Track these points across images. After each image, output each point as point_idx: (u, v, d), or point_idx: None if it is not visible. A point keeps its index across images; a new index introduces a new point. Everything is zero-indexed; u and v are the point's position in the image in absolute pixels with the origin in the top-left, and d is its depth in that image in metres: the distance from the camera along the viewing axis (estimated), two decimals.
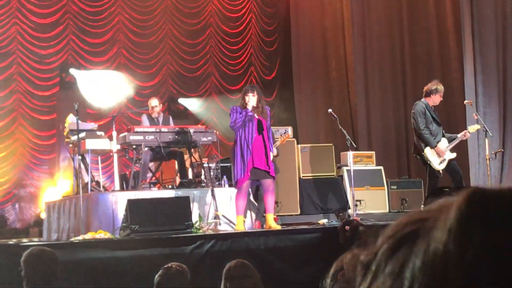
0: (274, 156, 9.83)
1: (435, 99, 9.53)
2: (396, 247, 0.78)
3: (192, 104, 15.21)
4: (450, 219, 0.75)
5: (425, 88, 9.66)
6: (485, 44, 12.01)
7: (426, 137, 9.40)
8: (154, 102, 10.55)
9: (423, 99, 9.59)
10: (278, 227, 8.53)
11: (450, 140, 9.60)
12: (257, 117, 8.46)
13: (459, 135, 9.63)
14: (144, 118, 10.43)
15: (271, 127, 10.98)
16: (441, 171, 9.44)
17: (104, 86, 13.22)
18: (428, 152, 9.42)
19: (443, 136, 9.61)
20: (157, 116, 10.42)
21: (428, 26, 13.57)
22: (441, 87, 9.55)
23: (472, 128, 9.82)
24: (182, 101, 15.02)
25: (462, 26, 12.22)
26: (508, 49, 12.00)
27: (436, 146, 9.39)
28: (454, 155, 9.57)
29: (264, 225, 8.84)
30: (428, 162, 9.42)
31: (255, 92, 8.52)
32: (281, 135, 10.85)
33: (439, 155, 9.42)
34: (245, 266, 4.27)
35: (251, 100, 8.44)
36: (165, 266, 4.26)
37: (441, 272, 0.73)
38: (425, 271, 0.74)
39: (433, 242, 0.75)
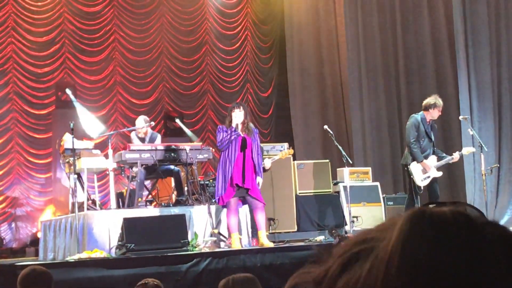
0: (266, 170, 9.75)
1: (433, 114, 9.64)
2: (344, 266, 0.82)
3: (189, 121, 15.21)
4: (392, 239, 0.79)
5: (424, 102, 9.79)
6: (479, 60, 12.06)
7: (414, 150, 9.53)
8: (139, 123, 10.44)
9: (421, 112, 9.72)
10: (271, 245, 8.51)
11: (439, 159, 9.69)
12: (242, 135, 8.44)
13: (449, 157, 9.71)
14: (133, 135, 10.42)
15: (265, 144, 11.01)
16: (421, 187, 9.56)
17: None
18: (414, 166, 9.54)
19: (434, 153, 9.70)
20: (144, 137, 10.36)
21: (422, 43, 13.63)
22: (439, 102, 9.66)
23: (467, 150, 9.91)
24: (178, 118, 15.02)
25: (456, 42, 12.27)
26: (502, 64, 12.05)
27: (422, 160, 9.49)
28: (440, 174, 9.67)
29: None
30: (411, 176, 9.54)
31: (241, 108, 8.50)
32: (285, 149, 10.81)
33: (424, 171, 9.52)
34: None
35: (238, 116, 8.41)
36: (140, 283, 4.19)
37: None
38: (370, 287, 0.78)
39: (376, 261, 0.79)
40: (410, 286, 0.75)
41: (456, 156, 9.74)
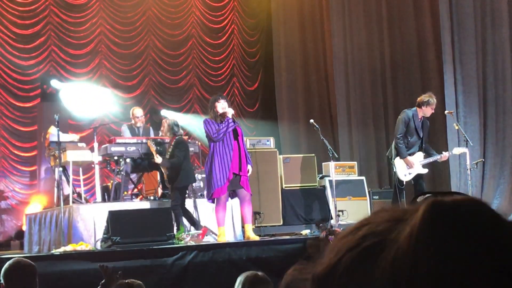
0: None
1: (426, 111, 9.67)
2: (359, 260, 0.77)
3: (175, 115, 15.17)
4: (415, 231, 0.75)
5: (418, 99, 9.82)
6: (465, 55, 12.10)
7: (400, 146, 9.58)
8: (138, 112, 10.54)
9: (414, 108, 9.77)
10: (257, 238, 8.52)
11: (427, 156, 9.72)
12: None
13: (438, 155, 9.73)
14: (124, 128, 10.39)
15: (251, 138, 11.03)
16: (404, 182, 9.59)
17: (86, 98, 13.09)
18: (397, 161, 9.60)
19: (420, 150, 9.72)
20: (140, 126, 10.40)
21: (407, 37, 13.65)
22: (433, 100, 9.68)
23: (458, 150, 9.95)
24: (164, 112, 14.98)
25: (442, 37, 12.31)
26: (488, 59, 12.10)
27: (405, 157, 9.53)
28: (425, 171, 9.70)
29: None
30: (394, 170, 9.60)
31: (225, 99, 8.56)
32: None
33: (407, 167, 9.56)
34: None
35: (225, 106, 8.42)
36: (125, 281, 4.13)
37: (408, 285, 0.73)
38: (392, 283, 0.74)
39: (398, 256, 0.74)
40: (441, 280, 0.72)
41: (445, 154, 9.78)
